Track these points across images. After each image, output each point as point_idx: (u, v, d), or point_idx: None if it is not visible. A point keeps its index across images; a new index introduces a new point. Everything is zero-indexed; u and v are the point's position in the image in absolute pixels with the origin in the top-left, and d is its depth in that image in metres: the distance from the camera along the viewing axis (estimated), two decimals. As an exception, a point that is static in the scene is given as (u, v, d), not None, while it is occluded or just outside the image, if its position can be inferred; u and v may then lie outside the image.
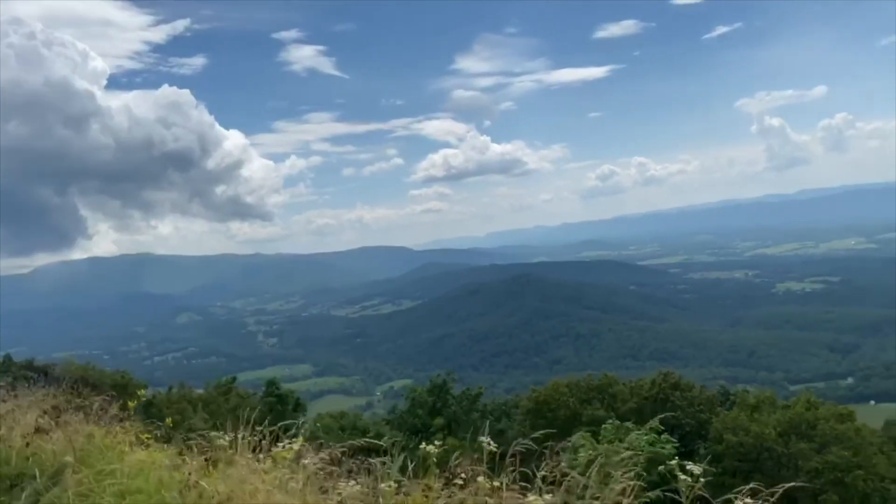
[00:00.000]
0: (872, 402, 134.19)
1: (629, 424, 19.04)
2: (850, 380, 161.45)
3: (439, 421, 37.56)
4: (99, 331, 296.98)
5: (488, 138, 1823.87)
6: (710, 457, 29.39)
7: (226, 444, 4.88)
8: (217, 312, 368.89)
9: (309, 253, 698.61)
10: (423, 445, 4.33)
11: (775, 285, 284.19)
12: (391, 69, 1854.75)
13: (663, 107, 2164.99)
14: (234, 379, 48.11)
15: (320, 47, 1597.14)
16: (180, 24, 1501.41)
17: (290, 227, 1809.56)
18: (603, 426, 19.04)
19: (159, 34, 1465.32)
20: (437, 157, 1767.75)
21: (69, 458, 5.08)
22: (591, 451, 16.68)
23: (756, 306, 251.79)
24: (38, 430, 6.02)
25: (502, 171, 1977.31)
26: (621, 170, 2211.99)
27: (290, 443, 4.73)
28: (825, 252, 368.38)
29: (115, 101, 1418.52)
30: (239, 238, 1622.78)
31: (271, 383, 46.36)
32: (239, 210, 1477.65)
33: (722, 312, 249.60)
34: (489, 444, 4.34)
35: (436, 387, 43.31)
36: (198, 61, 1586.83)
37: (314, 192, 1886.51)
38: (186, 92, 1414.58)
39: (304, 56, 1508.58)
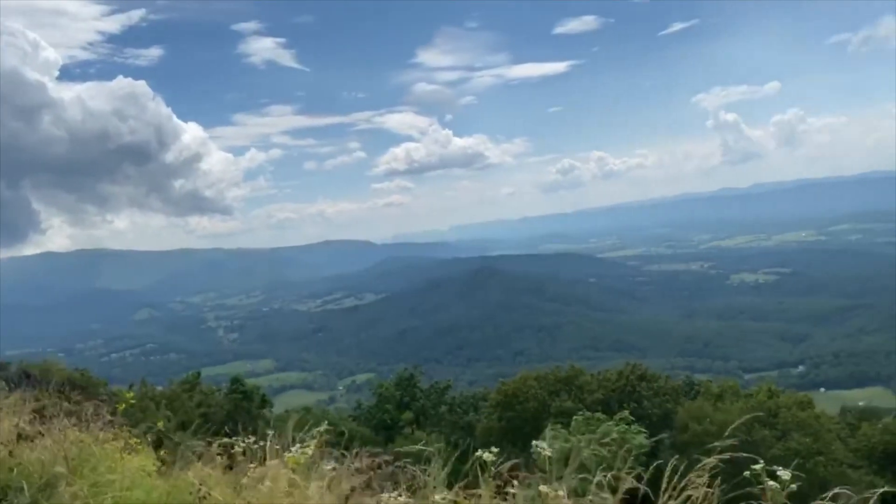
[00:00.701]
0: (822, 390, 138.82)
1: (599, 415, 19.49)
2: (801, 368, 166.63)
3: (408, 415, 37.85)
4: (53, 328, 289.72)
5: (450, 132, 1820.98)
6: (673, 446, 30.49)
7: (240, 449, 4.62)
8: (176, 308, 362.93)
9: (270, 247, 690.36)
10: (479, 453, 3.79)
11: (730, 277, 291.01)
12: (352, 62, 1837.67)
13: (622, 102, 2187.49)
14: (199, 375, 47.52)
15: (280, 39, 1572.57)
16: (136, 15, 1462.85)
17: (250, 222, 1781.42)
18: (574, 418, 19.36)
19: (114, 24, 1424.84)
20: (399, 151, 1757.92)
21: (61, 469, 4.62)
22: (563, 444, 17.26)
23: (712, 297, 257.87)
24: (21, 436, 5.54)
25: (464, 165, 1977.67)
26: (581, 164, 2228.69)
27: (302, 447, 4.34)
28: (777, 244, 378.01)
29: (68, 93, 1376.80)
30: (198, 233, 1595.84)
31: (236, 380, 45.94)
32: (198, 204, 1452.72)
33: (679, 303, 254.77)
34: (544, 450, 3.92)
35: (403, 380, 43.49)
36: (154, 52, 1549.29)
37: (275, 186, 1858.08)
38: (143, 83, 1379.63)
39: (264, 48, 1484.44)
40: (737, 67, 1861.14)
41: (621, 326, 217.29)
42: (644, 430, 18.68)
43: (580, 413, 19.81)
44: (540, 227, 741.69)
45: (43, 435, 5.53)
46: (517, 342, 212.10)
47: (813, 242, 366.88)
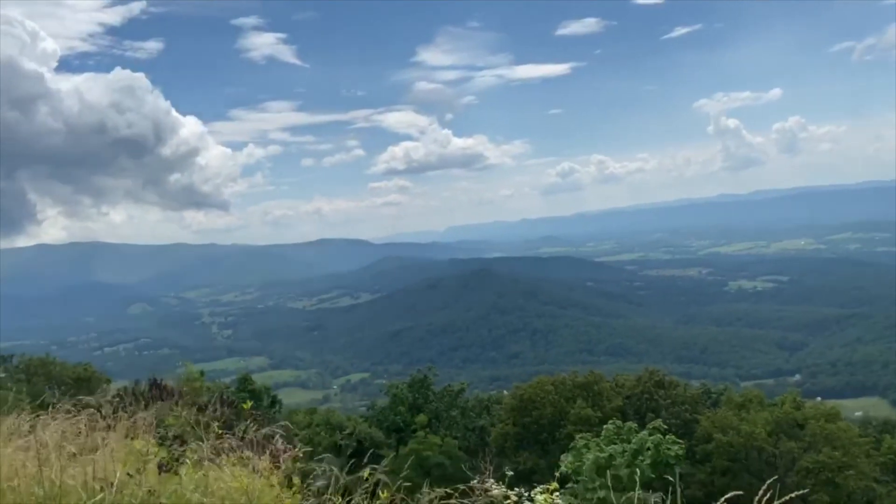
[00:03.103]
0: (819, 399, 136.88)
1: (631, 424, 18.67)
2: (797, 376, 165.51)
3: (422, 418, 36.60)
4: (46, 321, 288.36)
5: (450, 132, 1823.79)
6: (697, 456, 29.22)
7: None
8: (170, 303, 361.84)
9: (266, 244, 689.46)
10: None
11: (728, 283, 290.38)
12: (352, 59, 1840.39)
13: (623, 105, 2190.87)
14: (203, 373, 46.08)
15: (280, 35, 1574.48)
16: (136, 7, 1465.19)
17: (246, 218, 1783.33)
18: (605, 426, 18.60)
19: (114, 16, 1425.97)
20: (397, 150, 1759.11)
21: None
22: (598, 454, 16.29)
23: (709, 304, 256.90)
24: (162, 468, 4.36)
25: (463, 166, 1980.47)
26: (581, 167, 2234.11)
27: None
28: (776, 252, 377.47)
29: (66, 84, 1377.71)
30: (194, 227, 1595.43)
31: (244, 379, 44.60)
32: (194, 199, 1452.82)
33: (676, 309, 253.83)
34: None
35: (416, 382, 42.36)
36: (154, 45, 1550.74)
37: (272, 183, 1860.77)
38: (141, 76, 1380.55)
39: (264, 43, 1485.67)
40: (740, 73, 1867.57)
41: (617, 331, 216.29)
42: (679, 440, 17.58)
43: (611, 421, 18.72)
44: (538, 230, 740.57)
45: (180, 462, 4.48)
46: (512, 344, 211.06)
47: (812, 251, 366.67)
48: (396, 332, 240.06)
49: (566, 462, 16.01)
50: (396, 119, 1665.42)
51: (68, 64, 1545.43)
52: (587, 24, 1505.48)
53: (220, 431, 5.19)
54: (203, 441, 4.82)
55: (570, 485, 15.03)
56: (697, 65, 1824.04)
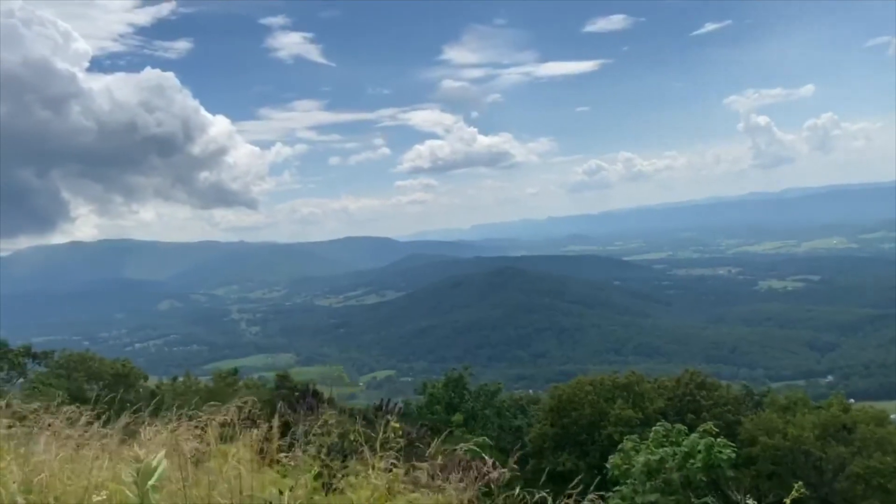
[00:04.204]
0: (852, 401, 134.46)
1: (680, 426, 18.44)
2: (829, 378, 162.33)
3: (459, 417, 36.51)
4: (78, 316, 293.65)
5: (475, 130, 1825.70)
6: (740, 459, 28.66)
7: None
8: (199, 300, 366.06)
9: (293, 242, 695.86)
10: None
11: (758, 283, 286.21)
12: (378, 58, 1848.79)
13: (651, 102, 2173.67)
14: (237, 371, 46.54)
15: (307, 34, 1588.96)
16: (166, 7, 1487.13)
17: (274, 216, 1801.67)
18: (653, 428, 18.40)
19: (144, 17, 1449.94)
20: (423, 148, 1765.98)
21: None
22: (649, 456, 16.09)
23: (738, 303, 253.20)
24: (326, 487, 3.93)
25: (489, 164, 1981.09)
26: (608, 165, 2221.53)
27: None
28: (807, 251, 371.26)
29: (97, 84, 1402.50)
30: (222, 225, 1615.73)
31: (283, 376, 44.94)
32: (223, 197, 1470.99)
33: (705, 309, 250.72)
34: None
35: (451, 381, 42.33)
36: (183, 45, 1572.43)
37: (299, 181, 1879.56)
38: (170, 75, 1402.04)
39: (291, 43, 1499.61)
40: (770, 69, 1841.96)
41: (645, 330, 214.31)
42: (732, 444, 17.29)
43: (660, 423, 18.48)
44: (564, 228, 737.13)
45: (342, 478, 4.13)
46: (538, 344, 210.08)
47: (844, 250, 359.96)
48: (422, 329, 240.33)
49: (614, 464, 15.80)
50: (422, 117, 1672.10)
51: (99, 64, 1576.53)
52: (615, 21, 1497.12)
53: (399, 444, 4.61)
54: (375, 454, 4.31)
55: (617, 487, 14.86)
56: (727, 61, 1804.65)
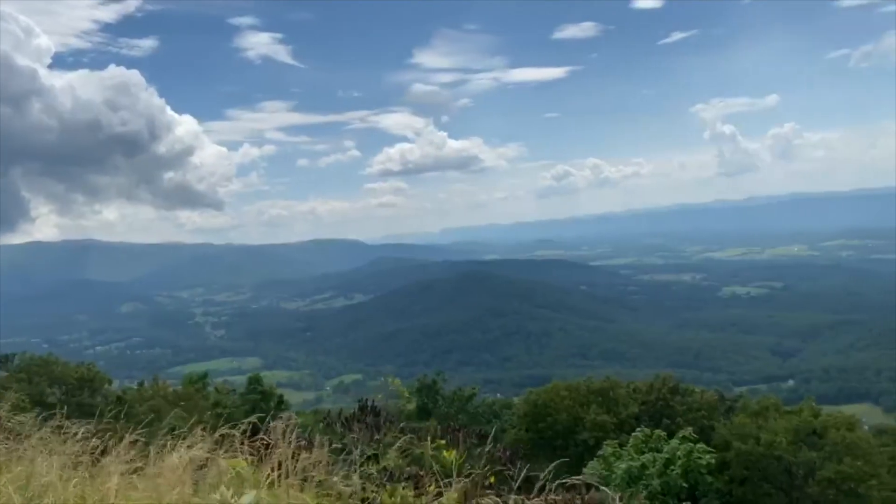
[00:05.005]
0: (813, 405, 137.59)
1: (659, 432, 18.42)
2: (791, 382, 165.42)
3: (432, 423, 36.17)
4: (38, 318, 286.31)
5: (445, 134, 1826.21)
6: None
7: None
8: (163, 302, 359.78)
9: (260, 244, 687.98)
10: None
11: (721, 289, 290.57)
12: (349, 60, 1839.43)
13: (619, 109, 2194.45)
14: (206, 375, 45.63)
15: (277, 35, 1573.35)
16: (132, 4, 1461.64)
17: (241, 217, 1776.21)
18: (633, 434, 18.32)
19: (109, 13, 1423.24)
20: (393, 151, 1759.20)
21: None
22: (630, 463, 16.03)
23: (702, 309, 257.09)
24: None
25: (459, 168, 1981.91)
26: (576, 171, 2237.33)
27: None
28: (770, 258, 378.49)
29: (59, 81, 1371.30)
30: (188, 227, 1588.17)
31: (254, 380, 44.11)
32: (188, 198, 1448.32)
33: (670, 314, 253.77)
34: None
35: (424, 387, 41.88)
36: (149, 43, 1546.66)
37: (267, 182, 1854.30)
38: (136, 73, 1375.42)
39: (260, 43, 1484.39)
40: (737, 79, 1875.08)
41: (611, 335, 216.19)
42: (711, 449, 17.31)
43: (640, 429, 18.48)
44: (532, 233, 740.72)
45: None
46: (506, 347, 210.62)
47: (805, 257, 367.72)
48: (390, 333, 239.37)
49: (594, 470, 15.71)
50: (392, 120, 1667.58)
51: (62, 61, 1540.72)
52: (584, 28, 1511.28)
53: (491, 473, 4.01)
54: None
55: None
56: (694, 70, 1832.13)
